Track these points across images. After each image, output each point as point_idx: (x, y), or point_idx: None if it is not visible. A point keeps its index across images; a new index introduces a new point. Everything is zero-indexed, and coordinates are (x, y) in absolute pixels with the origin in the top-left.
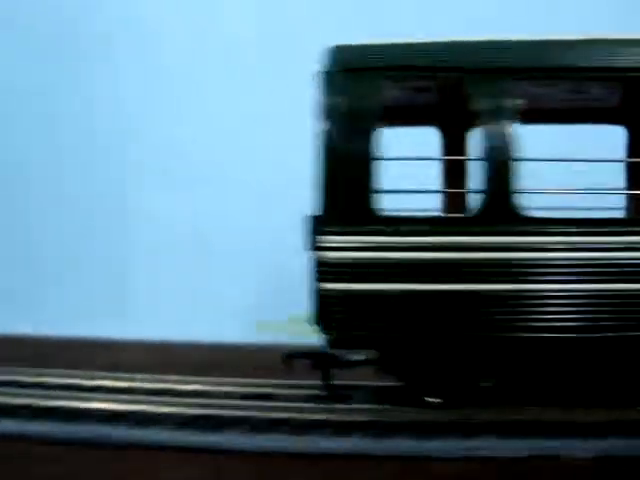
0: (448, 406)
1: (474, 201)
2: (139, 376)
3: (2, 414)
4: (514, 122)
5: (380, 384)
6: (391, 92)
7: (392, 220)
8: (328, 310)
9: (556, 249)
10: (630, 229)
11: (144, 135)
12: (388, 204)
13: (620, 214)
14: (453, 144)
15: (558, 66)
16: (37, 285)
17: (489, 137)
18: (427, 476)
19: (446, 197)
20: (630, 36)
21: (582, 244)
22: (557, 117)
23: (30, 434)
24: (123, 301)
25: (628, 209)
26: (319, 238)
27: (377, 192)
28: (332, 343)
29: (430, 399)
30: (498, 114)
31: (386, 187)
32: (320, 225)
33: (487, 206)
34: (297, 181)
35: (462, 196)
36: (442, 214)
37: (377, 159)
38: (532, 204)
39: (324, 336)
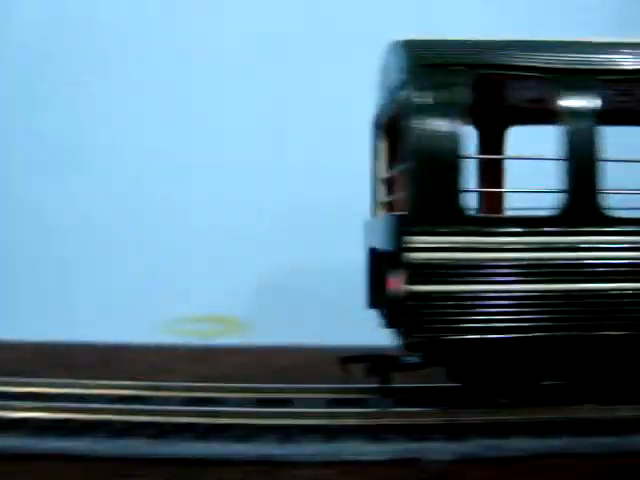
0: (515, 405)
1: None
2: None
3: None
4: (599, 123)
5: (426, 385)
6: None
7: (481, 220)
8: (415, 312)
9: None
10: None
11: None
12: None
13: None
14: (490, 142)
15: None
16: None
17: (573, 137)
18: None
19: (480, 196)
20: None
21: None
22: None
23: None
24: None
25: None
26: (407, 239)
27: (465, 191)
28: (415, 346)
29: (499, 399)
30: (584, 114)
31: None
32: (408, 225)
33: (571, 206)
34: None
35: (499, 196)
36: (528, 214)
37: (465, 158)
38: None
39: (404, 338)
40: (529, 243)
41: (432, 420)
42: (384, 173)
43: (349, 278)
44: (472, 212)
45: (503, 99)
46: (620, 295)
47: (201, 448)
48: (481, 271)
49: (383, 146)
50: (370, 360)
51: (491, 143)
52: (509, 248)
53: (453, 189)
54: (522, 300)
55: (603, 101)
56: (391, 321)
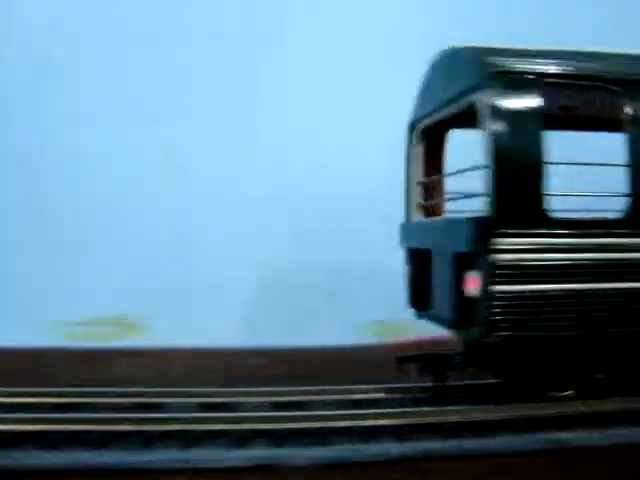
0: (572, 399)
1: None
2: None
3: None
4: None
5: (475, 383)
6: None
7: (563, 222)
8: (498, 312)
9: None
10: None
11: None
12: None
13: None
14: None
15: None
16: None
17: (637, 144)
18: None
19: None
20: None
21: None
22: None
23: None
24: None
25: None
26: (492, 241)
27: (547, 195)
28: (495, 345)
29: (558, 393)
30: None
31: None
32: (492, 228)
33: (636, 209)
34: None
35: None
36: (601, 217)
37: (546, 162)
38: None
39: (483, 336)
40: (602, 244)
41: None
42: (421, 177)
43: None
44: (553, 214)
45: (568, 107)
46: None
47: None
48: (561, 271)
49: (420, 150)
50: (425, 359)
51: None
52: (586, 249)
53: (535, 192)
54: (596, 298)
55: None
56: (462, 320)
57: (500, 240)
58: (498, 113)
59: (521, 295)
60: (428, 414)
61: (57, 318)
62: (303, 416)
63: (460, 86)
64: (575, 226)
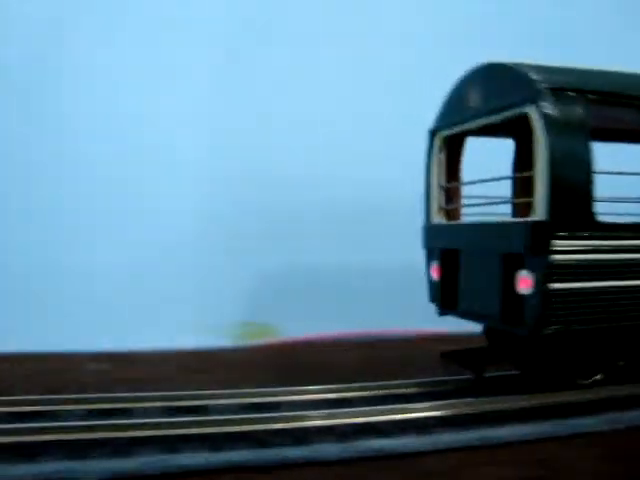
0: (596, 385)
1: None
2: None
3: None
4: None
5: (502, 374)
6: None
7: (609, 226)
8: (551, 308)
9: None
10: None
11: None
12: None
13: None
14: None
15: None
16: None
17: None
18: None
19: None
20: None
21: None
22: None
23: None
24: None
25: None
26: (548, 242)
27: (596, 200)
28: (545, 338)
29: (585, 381)
30: None
31: None
32: (548, 230)
33: None
34: None
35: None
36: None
37: (594, 171)
38: None
39: (535, 331)
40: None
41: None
42: (443, 182)
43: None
44: (601, 218)
45: (607, 120)
46: None
47: None
48: (607, 270)
49: (443, 157)
50: (467, 354)
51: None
52: (629, 249)
53: (586, 198)
54: (637, 294)
55: None
56: (509, 316)
57: (554, 242)
58: (553, 125)
59: (572, 292)
60: (472, 404)
61: None
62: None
63: (508, 99)
64: (619, 229)
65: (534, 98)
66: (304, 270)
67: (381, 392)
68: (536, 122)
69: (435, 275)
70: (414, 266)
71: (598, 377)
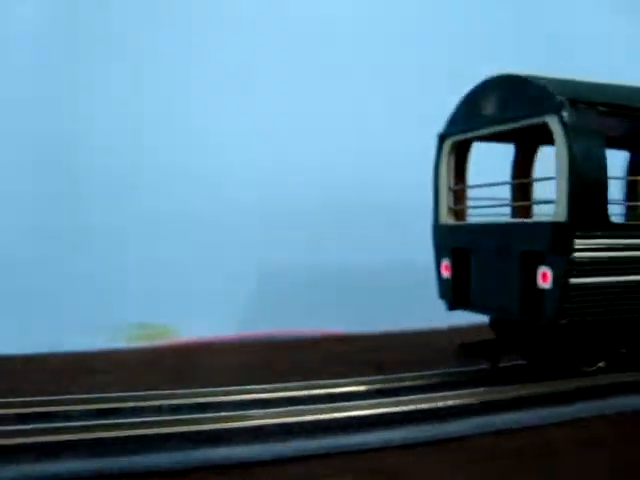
0: (601, 372)
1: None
2: None
3: None
4: None
5: (510, 364)
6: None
7: (620, 226)
8: (570, 301)
9: None
10: None
11: None
12: None
13: None
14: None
15: None
16: None
17: None
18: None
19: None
20: None
21: None
22: None
23: None
24: None
25: None
26: (568, 241)
27: (609, 203)
28: (566, 326)
29: (589, 368)
30: None
31: None
32: (568, 230)
33: None
34: None
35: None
36: None
37: (609, 176)
38: None
39: (554, 322)
40: None
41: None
42: (452, 184)
43: None
44: (614, 219)
45: (615, 130)
46: None
47: None
48: (620, 266)
49: (452, 161)
50: (483, 345)
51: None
52: (637, 247)
53: (601, 201)
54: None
55: None
56: (527, 309)
57: (574, 241)
58: (572, 133)
59: (588, 286)
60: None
61: None
62: None
63: (527, 109)
64: (630, 229)
65: (555, 109)
66: (210, 269)
67: (248, 397)
68: (557, 131)
69: (446, 272)
70: (320, 266)
71: (601, 365)
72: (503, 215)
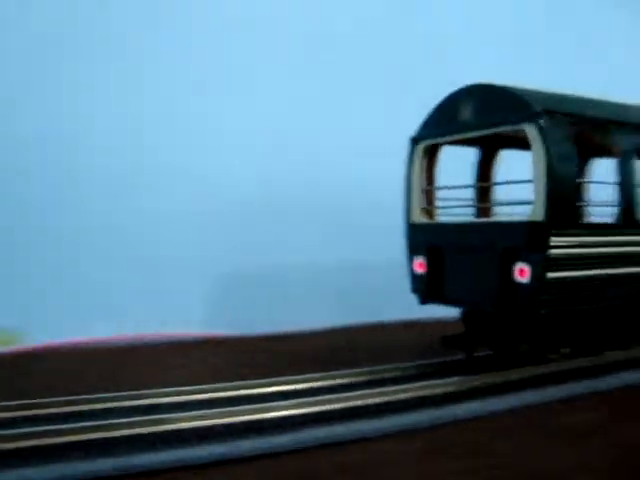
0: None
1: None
2: None
3: None
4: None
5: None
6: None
7: (588, 225)
8: (547, 293)
9: None
10: None
11: None
12: None
13: None
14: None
15: None
16: None
17: (624, 168)
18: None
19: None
20: None
21: None
22: None
23: None
24: None
25: None
26: (546, 239)
27: (580, 205)
28: (544, 317)
29: (554, 355)
30: (630, 153)
31: None
32: (545, 229)
33: (624, 217)
34: None
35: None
36: (608, 222)
37: (580, 181)
38: None
39: (532, 313)
40: (610, 242)
41: None
42: (425, 185)
43: None
44: (584, 220)
45: (584, 139)
46: None
47: None
48: (589, 261)
49: (424, 163)
50: (461, 337)
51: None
52: (601, 244)
53: (573, 202)
54: (609, 280)
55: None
56: (504, 302)
57: (550, 239)
58: (549, 141)
59: (561, 280)
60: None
61: None
62: None
63: (505, 117)
64: (597, 228)
65: (532, 117)
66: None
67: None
68: (534, 138)
69: (419, 269)
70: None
71: (565, 351)
72: (466, 215)
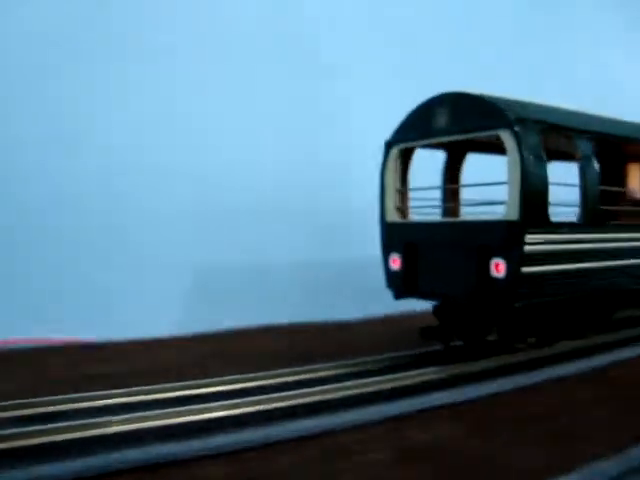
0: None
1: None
2: None
3: None
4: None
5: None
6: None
7: (556, 224)
8: (522, 286)
9: (631, 239)
10: None
11: None
12: None
13: None
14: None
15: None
16: None
17: (585, 171)
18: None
19: (444, 207)
20: None
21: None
22: None
23: None
24: None
25: None
26: (521, 237)
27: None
28: (518, 308)
29: (522, 344)
30: (590, 157)
31: None
32: (520, 227)
33: (586, 215)
34: None
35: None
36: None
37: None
38: None
39: (509, 305)
40: (575, 239)
41: None
42: (399, 186)
43: None
44: (553, 219)
45: (549, 144)
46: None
47: None
48: (558, 256)
49: (398, 165)
50: (439, 329)
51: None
52: (567, 241)
53: (544, 203)
54: (576, 274)
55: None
56: (479, 295)
57: (525, 236)
58: (523, 146)
59: (536, 274)
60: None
61: None
62: None
63: (480, 123)
64: (563, 226)
65: (507, 124)
66: None
67: None
68: (509, 143)
69: (395, 265)
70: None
71: (532, 340)
72: (435, 214)
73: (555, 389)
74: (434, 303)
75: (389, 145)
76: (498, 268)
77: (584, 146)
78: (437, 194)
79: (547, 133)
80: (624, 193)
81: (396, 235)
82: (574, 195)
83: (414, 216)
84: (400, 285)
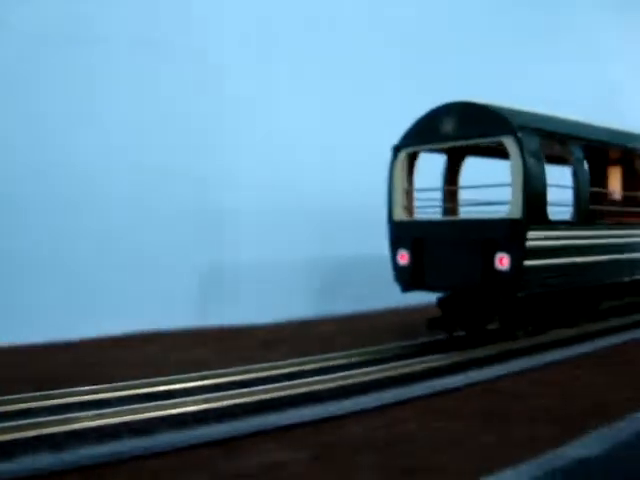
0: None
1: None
2: None
3: None
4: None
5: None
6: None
7: (554, 222)
8: (524, 278)
9: (616, 236)
10: None
11: None
12: None
13: None
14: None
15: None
16: None
17: (577, 174)
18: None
19: (444, 207)
20: None
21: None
22: None
23: None
24: None
25: None
26: (524, 233)
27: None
28: (520, 298)
29: (521, 332)
30: (582, 162)
31: None
32: (523, 224)
33: (579, 215)
34: None
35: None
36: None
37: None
38: None
39: (511, 296)
40: (570, 235)
41: None
42: (407, 186)
43: None
44: (552, 217)
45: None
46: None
47: None
48: (556, 251)
49: (405, 167)
50: (443, 319)
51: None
52: (564, 237)
53: (543, 202)
54: (574, 267)
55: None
56: (485, 286)
57: (527, 233)
58: (525, 151)
59: (536, 267)
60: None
61: None
62: None
63: (485, 130)
64: (560, 224)
65: (510, 131)
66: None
67: None
68: (512, 149)
69: (402, 260)
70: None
71: (530, 329)
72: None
73: (555, 370)
74: (438, 295)
75: (397, 149)
76: (502, 261)
77: (577, 151)
78: (437, 194)
79: (545, 139)
80: (606, 194)
81: (404, 232)
82: (566, 196)
83: (419, 215)
84: (408, 279)
